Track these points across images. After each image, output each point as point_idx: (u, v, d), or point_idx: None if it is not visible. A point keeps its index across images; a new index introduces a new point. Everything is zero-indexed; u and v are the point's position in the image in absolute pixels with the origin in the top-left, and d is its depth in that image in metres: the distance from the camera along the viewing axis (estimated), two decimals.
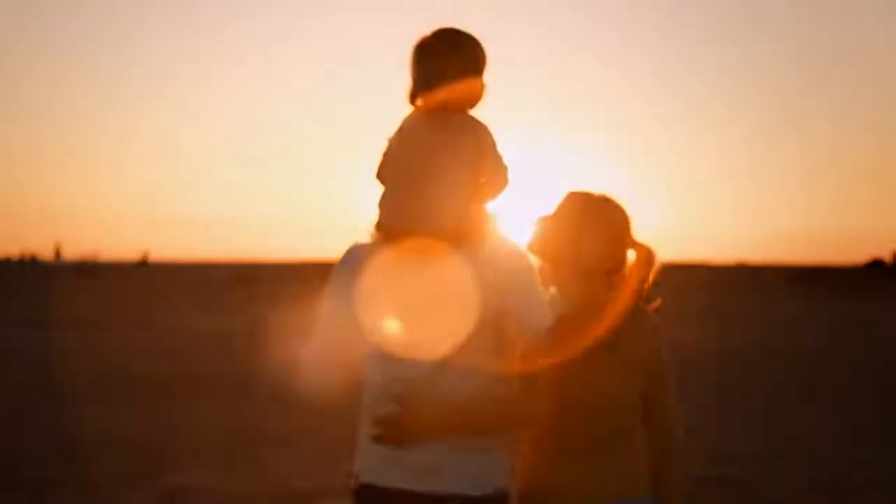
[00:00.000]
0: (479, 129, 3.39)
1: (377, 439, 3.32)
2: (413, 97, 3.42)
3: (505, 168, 3.41)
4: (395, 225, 3.30)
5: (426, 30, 3.49)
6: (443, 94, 3.36)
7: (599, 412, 3.53)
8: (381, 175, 3.40)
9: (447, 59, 3.38)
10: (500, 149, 3.43)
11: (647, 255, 3.62)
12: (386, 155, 3.41)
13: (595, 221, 3.59)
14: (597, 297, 3.57)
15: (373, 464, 3.36)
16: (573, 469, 3.52)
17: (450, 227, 3.26)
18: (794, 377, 19.53)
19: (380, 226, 3.36)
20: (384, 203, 3.36)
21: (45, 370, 19.38)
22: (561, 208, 3.64)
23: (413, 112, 3.43)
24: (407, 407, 3.28)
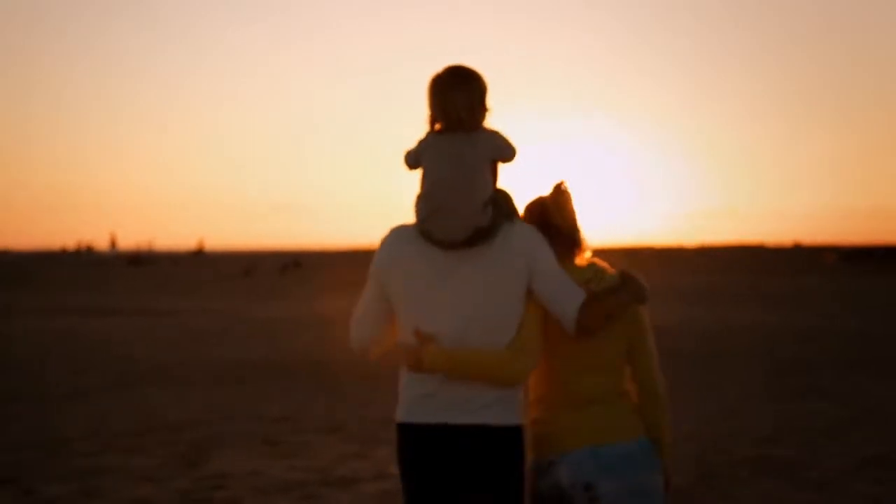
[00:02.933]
0: (489, 137, 4.15)
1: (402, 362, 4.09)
2: (432, 122, 4.17)
3: (512, 148, 4.18)
4: (433, 231, 4.04)
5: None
6: (459, 123, 4.12)
7: (595, 369, 4.20)
8: (410, 164, 4.17)
9: (457, 91, 4.12)
10: (507, 140, 4.19)
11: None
12: (415, 154, 4.16)
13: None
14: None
15: (409, 406, 4.10)
16: (575, 417, 4.16)
17: (475, 218, 3.99)
18: (846, 356, 19.38)
19: (425, 229, 4.07)
20: (421, 207, 4.08)
21: (97, 358, 19.59)
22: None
23: (434, 133, 4.17)
24: (423, 342, 4.02)
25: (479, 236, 4.00)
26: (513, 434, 4.05)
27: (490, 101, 4.20)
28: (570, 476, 4.12)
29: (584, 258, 4.32)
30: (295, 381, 16.08)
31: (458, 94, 4.11)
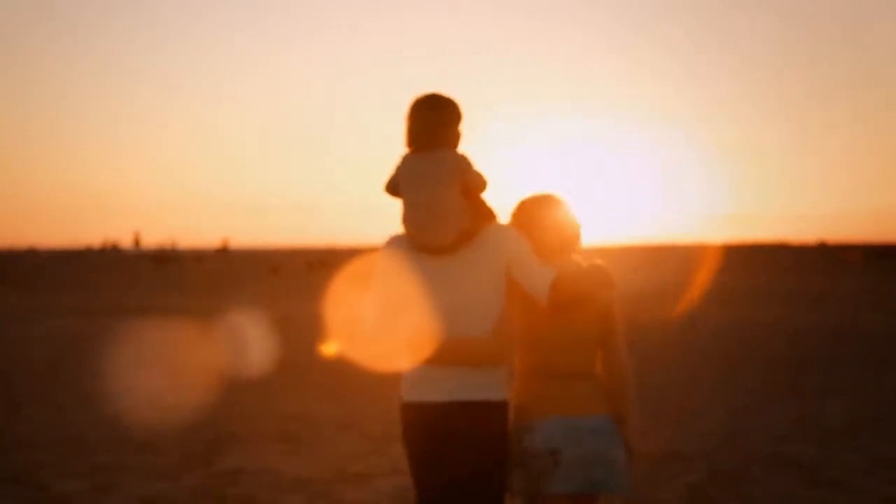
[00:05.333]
0: (456, 157, 4.63)
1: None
2: (410, 143, 4.71)
3: (481, 176, 4.67)
4: (416, 239, 4.62)
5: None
6: (431, 140, 4.66)
7: (569, 349, 4.81)
8: (390, 191, 4.73)
9: (428, 112, 4.68)
10: (475, 166, 4.66)
11: (576, 234, 4.91)
12: (394, 180, 4.70)
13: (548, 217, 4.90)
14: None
15: (409, 388, 4.68)
16: (551, 391, 4.79)
17: (453, 231, 4.57)
18: (868, 354, 19.28)
19: (411, 237, 4.64)
20: (406, 220, 4.64)
21: (115, 357, 19.67)
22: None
23: (409, 153, 4.69)
24: (415, 335, 4.59)
25: (462, 240, 4.61)
26: (498, 407, 4.65)
27: (462, 127, 4.76)
28: (540, 441, 4.73)
29: (567, 256, 4.91)
30: (311, 380, 16.10)
31: (428, 114, 4.68)
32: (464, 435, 4.64)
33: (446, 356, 4.63)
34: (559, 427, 4.73)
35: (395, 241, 4.79)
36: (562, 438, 4.72)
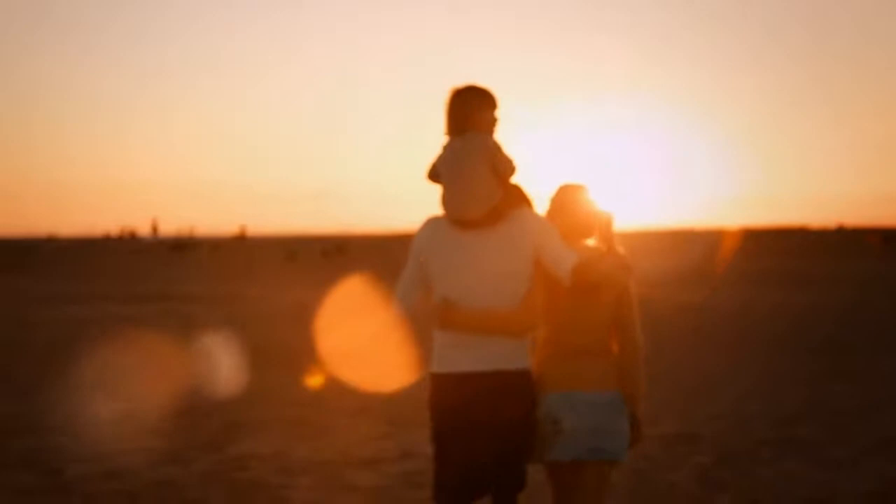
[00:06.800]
0: (486, 140, 5.02)
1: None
2: (447, 131, 5.12)
3: (510, 161, 5.02)
4: (450, 213, 5.00)
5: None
6: (464, 125, 5.08)
7: (584, 328, 5.17)
8: (432, 177, 5.10)
9: (464, 102, 5.09)
10: (505, 150, 5.04)
11: (606, 221, 5.21)
12: (434, 166, 5.08)
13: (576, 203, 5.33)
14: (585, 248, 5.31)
15: (440, 359, 5.04)
16: (562, 366, 5.15)
17: (484, 206, 4.94)
18: (881, 339, 19.26)
19: (446, 211, 5.04)
20: (443, 198, 5.02)
21: (125, 344, 19.75)
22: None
23: (451, 138, 5.09)
24: (450, 305, 5.00)
25: (493, 216, 4.97)
26: (523, 376, 5.02)
27: (497, 114, 5.14)
28: (545, 412, 5.10)
29: (590, 241, 5.32)
30: (322, 366, 16.15)
31: (462, 102, 5.09)
32: (493, 402, 4.97)
33: (476, 325, 4.97)
34: (564, 400, 5.09)
35: (432, 220, 5.18)
36: (565, 410, 5.09)
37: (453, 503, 5.03)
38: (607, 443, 5.11)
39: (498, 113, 5.17)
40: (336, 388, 13.76)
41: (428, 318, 5.08)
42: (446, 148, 5.09)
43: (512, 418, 4.99)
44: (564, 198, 5.33)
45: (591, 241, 5.36)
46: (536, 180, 5.46)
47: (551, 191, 5.43)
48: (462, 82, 5.18)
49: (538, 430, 5.11)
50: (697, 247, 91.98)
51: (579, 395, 5.10)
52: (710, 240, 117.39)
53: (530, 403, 5.04)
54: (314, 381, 11.66)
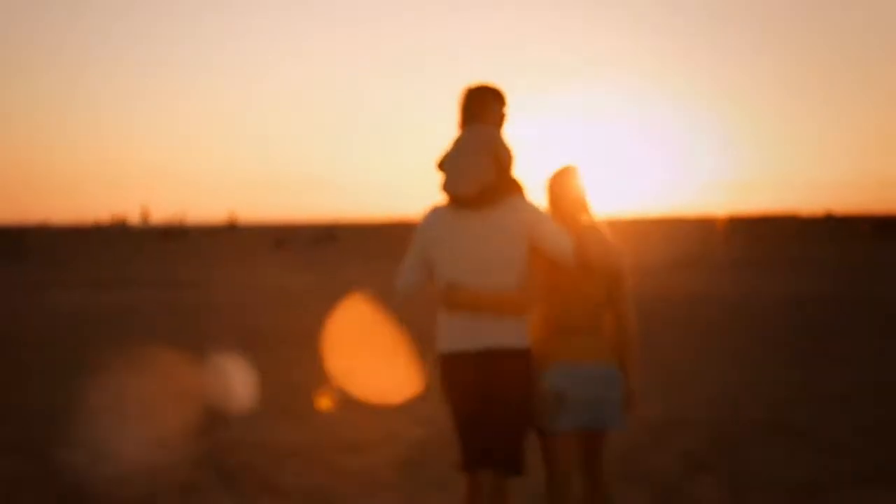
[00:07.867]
0: (490, 130, 5.46)
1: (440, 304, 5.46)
2: (462, 125, 5.55)
3: (509, 150, 5.42)
4: (446, 190, 5.41)
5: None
6: (472, 118, 5.54)
7: (579, 307, 5.56)
8: (440, 167, 5.48)
9: (473, 98, 5.54)
10: (505, 140, 5.44)
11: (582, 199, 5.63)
12: (442, 157, 5.49)
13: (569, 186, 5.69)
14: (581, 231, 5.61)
15: (444, 338, 5.45)
16: (560, 341, 5.54)
17: (476, 183, 5.32)
18: (871, 324, 19.29)
19: (442, 190, 5.46)
20: (443, 178, 5.45)
21: (116, 330, 19.72)
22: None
23: (461, 132, 5.52)
24: (453, 287, 5.39)
25: (486, 195, 5.33)
26: (523, 353, 5.41)
27: (506, 110, 5.56)
28: (548, 384, 5.47)
29: (582, 222, 5.61)
30: (312, 351, 16.14)
31: (471, 97, 5.53)
32: (497, 378, 5.37)
33: (478, 306, 5.35)
34: (565, 374, 5.48)
35: (434, 208, 5.57)
36: (564, 381, 5.47)
37: (476, 469, 5.46)
38: (608, 415, 5.56)
39: (507, 109, 5.58)
40: (322, 372, 13.75)
41: (432, 302, 5.43)
42: (455, 139, 5.49)
43: (512, 393, 5.36)
44: (558, 181, 5.67)
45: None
46: (530, 168, 5.84)
47: (546, 177, 5.73)
48: (469, 80, 5.62)
49: (541, 402, 5.47)
50: (687, 234, 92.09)
51: (580, 369, 5.49)
52: (700, 226, 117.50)
53: (530, 378, 5.42)
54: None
